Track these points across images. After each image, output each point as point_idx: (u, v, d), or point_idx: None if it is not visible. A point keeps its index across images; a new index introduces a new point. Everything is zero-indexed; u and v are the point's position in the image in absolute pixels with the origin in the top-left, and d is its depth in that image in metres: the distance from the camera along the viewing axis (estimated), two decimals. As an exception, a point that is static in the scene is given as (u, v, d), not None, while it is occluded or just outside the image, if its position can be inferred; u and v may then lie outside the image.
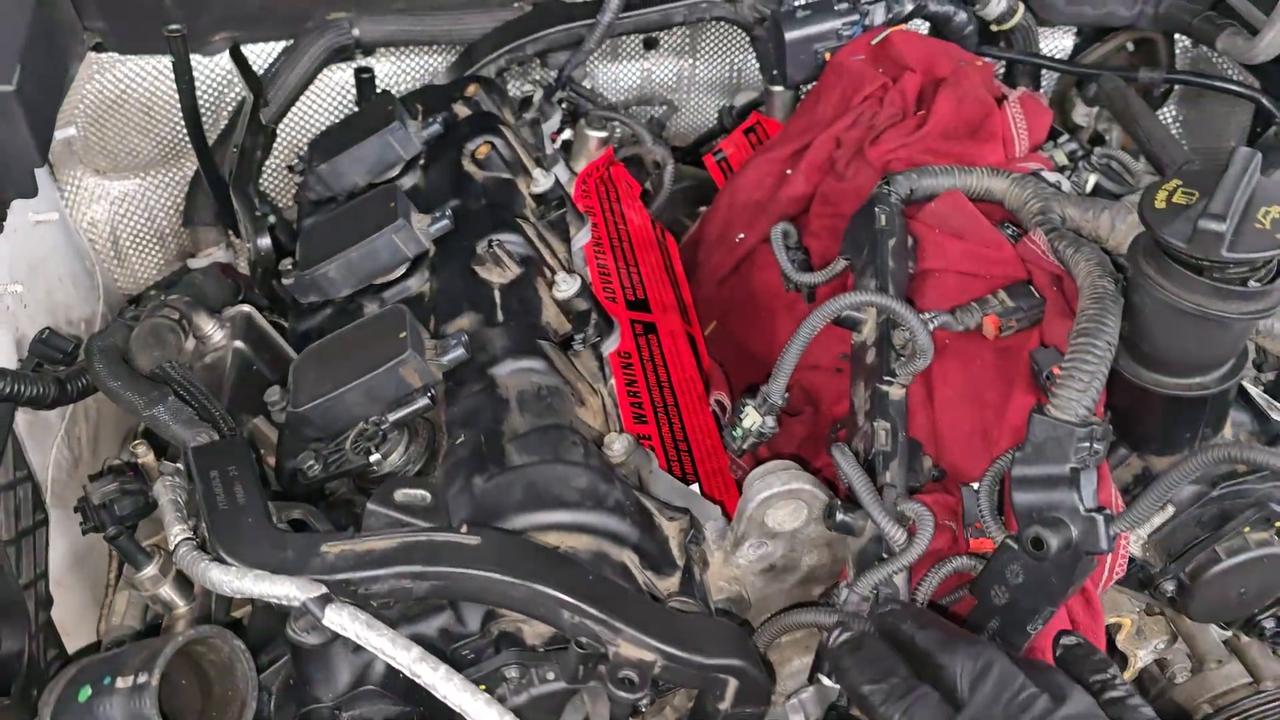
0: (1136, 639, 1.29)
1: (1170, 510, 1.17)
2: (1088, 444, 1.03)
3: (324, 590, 0.91)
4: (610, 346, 1.39)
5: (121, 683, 0.92)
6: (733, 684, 0.94)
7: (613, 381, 1.37)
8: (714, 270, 1.76)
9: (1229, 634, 1.35)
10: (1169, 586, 1.18)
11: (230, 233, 1.80)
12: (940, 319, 1.19)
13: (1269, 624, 1.29)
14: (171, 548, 1.02)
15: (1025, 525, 1.03)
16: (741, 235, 1.73)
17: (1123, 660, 1.31)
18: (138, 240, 1.90)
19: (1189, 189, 1.04)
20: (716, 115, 2.16)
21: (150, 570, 1.14)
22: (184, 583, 1.17)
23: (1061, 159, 1.55)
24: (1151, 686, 1.52)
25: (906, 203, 1.34)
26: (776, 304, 1.59)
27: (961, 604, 1.13)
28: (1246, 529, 1.15)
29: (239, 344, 1.43)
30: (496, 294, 1.32)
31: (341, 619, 0.89)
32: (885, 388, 1.18)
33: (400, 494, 0.98)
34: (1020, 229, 1.29)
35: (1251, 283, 1.01)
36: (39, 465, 1.35)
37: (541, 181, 1.52)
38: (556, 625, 0.92)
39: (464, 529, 0.95)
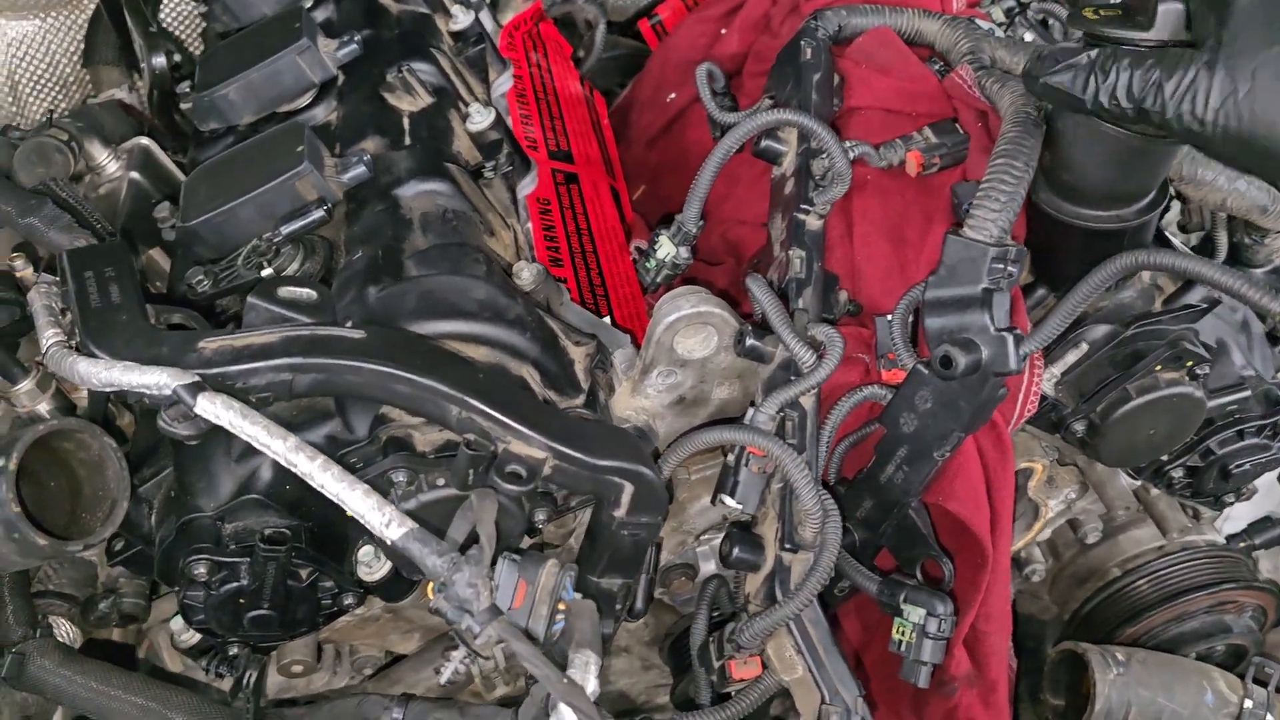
0: (1048, 487, 1.29)
1: (1084, 348, 1.16)
2: (1002, 265, 1.01)
3: (197, 378, 0.86)
4: (527, 188, 1.34)
5: (-23, 468, 0.87)
6: (628, 489, 0.91)
7: (529, 224, 1.33)
8: (644, 130, 1.70)
9: (1138, 484, 1.35)
10: (1079, 427, 1.18)
11: (135, 74, 1.70)
12: (860, 149, 1.15)
13: (1177, 474, 1.30)
14: (43, 351, 0.97)
15: (935, 347, 1.01)
16: (673, 95, 1.67)
17: (1034, 509, 1.30)
18: (38, 86, 1.78)
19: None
20: (657, -13, 2.08)
21: (26, 385, 1.08)
22: (64, 401, 1.11)
23: (999, 15, 1.51)
24: (1065, 551, 1.54)
25: (834, 40, 1.30)
26: (707, 162, 1.55)
27: (871, 437, 1.12)
28: (1158, 367, 1.15)
29: (135, 175, 1.35)
30: (405, 120, 1.26)
31: (215, 407, 0.84)
32: (802, 216, 1.14)
33: (284, 290, 0.93)
34: (948, 66, 1.25)
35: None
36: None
37: (461, 18, 1.45)
38: (444, 422, 0.88)
39: (349, 324, 0.91)
